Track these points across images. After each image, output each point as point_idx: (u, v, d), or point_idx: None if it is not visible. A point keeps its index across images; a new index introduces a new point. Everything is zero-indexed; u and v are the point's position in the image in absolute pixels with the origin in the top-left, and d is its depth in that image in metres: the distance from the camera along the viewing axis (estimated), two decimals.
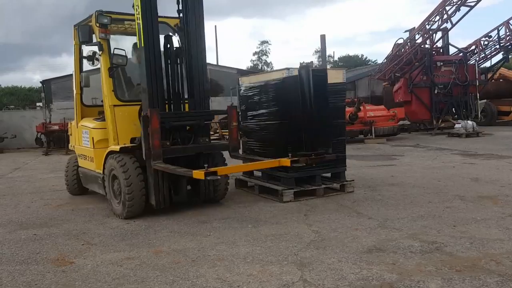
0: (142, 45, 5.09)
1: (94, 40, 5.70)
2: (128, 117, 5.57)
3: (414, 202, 5.55)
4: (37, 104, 25.99)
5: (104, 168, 5.60)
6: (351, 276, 3.31)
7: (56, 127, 15.77)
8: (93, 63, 6.25)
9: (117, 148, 5.35)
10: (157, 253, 4.05)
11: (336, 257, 3.71)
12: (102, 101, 5.94)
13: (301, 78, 5.68)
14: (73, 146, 6.97)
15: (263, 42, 58.04)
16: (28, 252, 4.25)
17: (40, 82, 21.60)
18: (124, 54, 5.60)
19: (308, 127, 5.72)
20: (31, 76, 74.33)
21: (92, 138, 5.93)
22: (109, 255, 4.05)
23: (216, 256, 3.87)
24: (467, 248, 3.78)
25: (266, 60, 59.38)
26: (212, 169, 4.56)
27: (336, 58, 60.59)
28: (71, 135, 7.09)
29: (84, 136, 6.24)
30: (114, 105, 5.55)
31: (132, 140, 5.38)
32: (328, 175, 6.48)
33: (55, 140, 16.18)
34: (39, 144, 17.28)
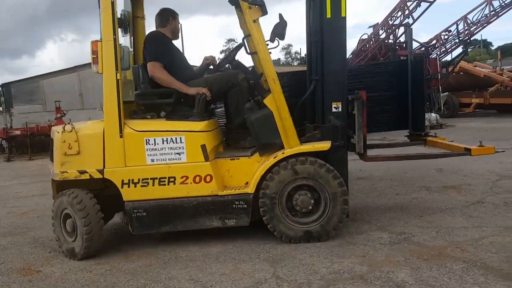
0: (343, 14, 4.06)
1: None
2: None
3: (382, 194, 5.67)
4: None
5: (265, 181, 3.95)
6: (322, 270, 3.36)
7: (18, 132, 15.24)
8: (125, 31, 4.62)
9: (325, 146, 3.98)
10: (128, 256, 3.98)
11: (307, 252, 3.74)
12: (137, 96, 4.44)
13: (416, 64, 5.28)
14: (90, 172, 3.98)
15: (230, 40, 57.94)
16: None
17: None
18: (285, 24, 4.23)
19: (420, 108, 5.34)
20: None
21: (203, 146, 3.97)
22: (77, 262, 3.94)
23: (188, 257, 3.84)
24: (433, 237, 3.89)
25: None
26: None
27: (303, 55, 61.18)
28: (77, 153, 3.98)
29: (158, 148, 3.98)
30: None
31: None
32: None
33: (18, 145, 15.65)
34: (0, 150, 16.66)
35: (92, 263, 3.87)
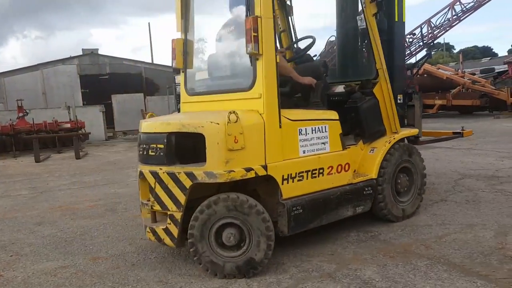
0: (404, 20, 4.64)
1: None
2: None
3: None
4: None
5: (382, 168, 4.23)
6: (292, 269, 3.38)
7: None
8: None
9: (415, 131, 4.79)
10: (94, 259, 3.89)
11: (277, 250, 3.75)
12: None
13: None
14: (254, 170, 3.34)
15: (199, 40, 57.53)
16: None
17: None
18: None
19: None
20: None
21: (341, 135, 3.97)
22: (41, 265, 3.83)
23: (156, 259, 3.79)
24: (399, 235, 3.99)
25: (202, 58, 58.92)
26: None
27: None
28: (242, 148, 3.29)
29: (308, 138, 3.71)
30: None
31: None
32: None
33: None
34: None
35: (57, 266, 3.76)
